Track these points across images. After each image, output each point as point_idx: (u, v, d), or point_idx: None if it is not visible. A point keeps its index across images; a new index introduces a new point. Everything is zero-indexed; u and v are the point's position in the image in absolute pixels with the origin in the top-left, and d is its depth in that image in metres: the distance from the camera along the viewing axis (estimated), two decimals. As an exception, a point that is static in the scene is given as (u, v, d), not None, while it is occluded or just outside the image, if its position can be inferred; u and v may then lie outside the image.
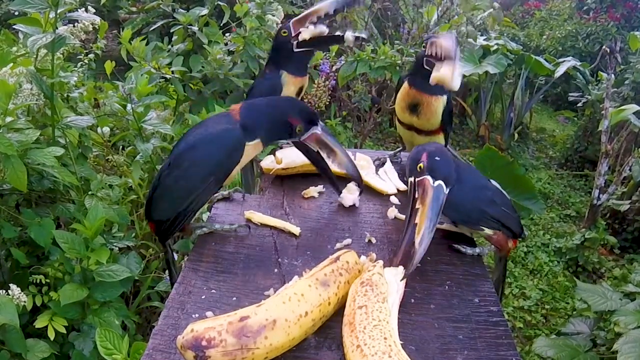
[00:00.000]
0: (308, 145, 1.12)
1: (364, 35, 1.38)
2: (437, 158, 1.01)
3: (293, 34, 1.34)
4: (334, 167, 1.16)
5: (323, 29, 1.34)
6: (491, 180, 1.18)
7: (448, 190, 0.99)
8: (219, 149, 1.03)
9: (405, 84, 1.36)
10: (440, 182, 0.98)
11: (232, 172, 1.07)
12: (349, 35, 1.34)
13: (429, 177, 0.99)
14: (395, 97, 1.41)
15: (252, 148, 1.06)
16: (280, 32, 1.37)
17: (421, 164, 1.00)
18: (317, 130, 1.09)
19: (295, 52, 1.35)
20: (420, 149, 1.04)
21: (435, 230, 0.96)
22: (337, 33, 1.36)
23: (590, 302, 2.09)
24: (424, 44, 1.30)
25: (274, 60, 1.41)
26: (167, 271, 1.83)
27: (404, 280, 0.97)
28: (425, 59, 1.28)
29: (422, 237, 0.94)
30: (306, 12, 1.35)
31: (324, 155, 1.13)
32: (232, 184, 1.81)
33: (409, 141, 1.46)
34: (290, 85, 1.38)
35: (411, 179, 1.03)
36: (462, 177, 1.05)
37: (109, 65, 2.12)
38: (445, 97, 1.34)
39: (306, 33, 1.33)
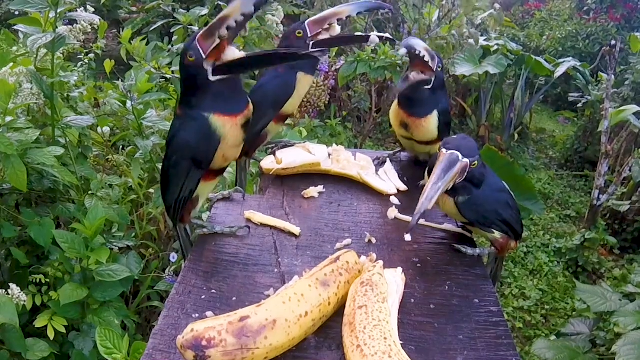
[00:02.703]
0: (223, 59, 0.95)
1: (388, 36, 1.31)
2: (453, 137, 1.05)
3: (309, 35, 1.27)
4: (246, 15, 0.92)
5: (337, 29, 1.29)
6: (503, 182, 1.18)
7: (466, 160, 1.00)
8: (190, 135, 1.00)
9: (395, 103, 1.36)
10: (454, 150, 1.00)
11: (219, 155, 1.02)
12: (374, 37, 1.27)
13: (443, 149, 1.02)
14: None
15: (221, 125, 0.98)
16: (294, 33, 1.28)
17: (439, 146, 1.04)
18: (198, 33, 0.95)
19: (311, 51, 1.24)
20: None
21: (445, 186, 0.99)
22: (360, 34, 1.31)
23: (590, 303, 2.09)
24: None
25: None
26: (169, 271, 1.84)
27: (404, 281, 0.97)
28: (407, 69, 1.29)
29: (425, 191, 0.98)
30: (325, 13, 1.28)
31: (228, 29, 0.92)
32: (232, 185, 1.81)
33: (410, 148, 1.47)
34: (304, 83, 1.34)
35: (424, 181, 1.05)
36: (487, 179, 1.07)
37: (108, 64, 2.12)
38: (435, 114, 1.31)
39: (330, 34, 1.28)
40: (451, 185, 1.02)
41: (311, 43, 1.27)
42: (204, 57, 0.95)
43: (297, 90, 1.33)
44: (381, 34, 1.28)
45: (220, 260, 1.07)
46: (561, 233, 3.89)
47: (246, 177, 1.56)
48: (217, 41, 0.94)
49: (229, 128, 0.99)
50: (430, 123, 1.31)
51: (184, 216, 1.11)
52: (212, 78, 0.96)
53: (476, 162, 1.02)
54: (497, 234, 1.14)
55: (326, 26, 1.27)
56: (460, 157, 1.00)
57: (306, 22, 1.27)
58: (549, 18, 7.47)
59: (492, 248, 1.18)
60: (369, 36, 1.26)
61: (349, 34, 1.32)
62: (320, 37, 1.28)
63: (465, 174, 1.03)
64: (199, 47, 0.95)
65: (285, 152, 1.42)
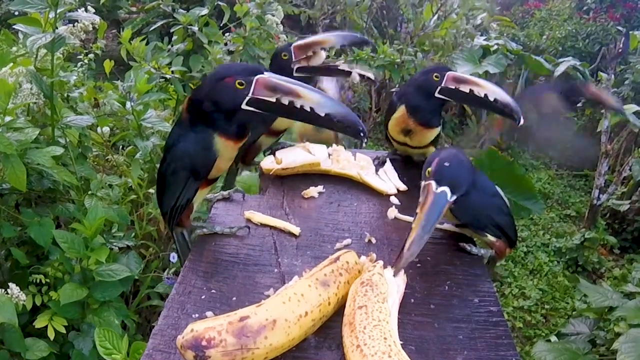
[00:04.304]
0: (264, 99, 0.95)
1: (371, 76, 1.34)
2: (446, 164, 0.97)
3: (294, 59, 1.30)
4: (312, 112, 0.95)
5: (323, 56, 1.32)
6: (496, 187, 1.18)
7: (454, 197, 0.96)
8: (191, 146, 1.01)
9: (404, 111, 1.32)
10: (444, 188, 0.95)
11: (215, 167, 1.04)
12: (355, 74, 1.32)
13: (432, 182, 0.96)
14: (388, 114, 1.40)
15: (222, 145, 1.01)
16: (280, 55, 1.31)
17: (430, 169, 0.98)
18: (262, 75, 0.95)
19: (295, 76, 1.30)
20: (435, 154, 1.01)
21: (432, 232, 0.94)
22: (344, 67, 1.34)
23: (592, 299, 2.10)
24: (435, 75, 1.26)
25: None
26: (169, 272, 1.83)
27: (404, 281, 0.97)
28: (440, 88, 1.26)
29: (412, 243, 0.93)
30: (311, 39, 1.31)
31: (289, 102, 0.95)
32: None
33: (403, 151, 1.48)
34: None
35: (422, 183, 1.01)
36: (477, 183, 1.05)
37: (107, 64, 2.12)
38: (440, 127, 1.36)
39: (314, 61, 1.30)
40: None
41: (295, 67, 1.32)
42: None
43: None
44: (363, 73, 1.33)
45: (220, 260, 1.07)
46: (561, 232, 3.89)
47: (234, 179, 1.59)
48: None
49: (229, 149, 1.02)
50: (435, 133, 1.35)
51: (182, 221, 1.12)
52: (243, 107, 0.97)
53: (465, 189, 0.98)
54: (490, 237, 1.14)
55: (310, 53, 1.31)
56: (449, 196, 0.95)
57: (292, 46, 1.31)
58: (549, 17, 7.46)
59: (492, 251, 1.18)
60: (351, 72, 1.34)
61: (333, 65, 1.35)
62: (306, 63, 1.32)
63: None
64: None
65: (285, 152, 1.42)
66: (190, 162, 1.02)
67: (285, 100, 0.95)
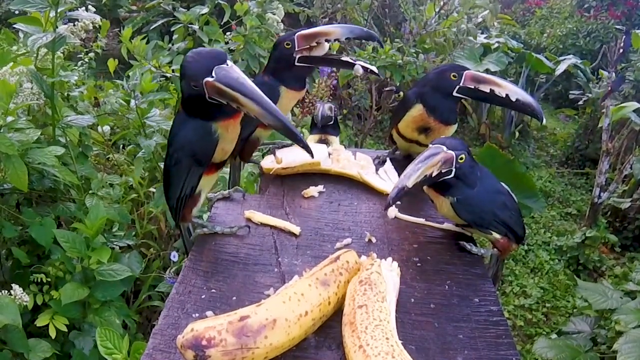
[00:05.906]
0: (220, 100, 0.95)
1: (374, 69, 1.32)
2: (442, 137, 1.08)
3: (297, 48, 1.27)
4: (257, 118, 0.95)
5: (326, 47, 1.29)
6: (502, 183, 1.18)
7: (451, 152, 1.02)
8: (191, 133, 1.02)
9: (422, 109, 1.32)
10: (438, 145, 1.03)
11: (220, 150, 1.04)
12: (359, 66, 1.29)
13: (430, 145, 1.05)
14: (399, 112, 1.39)
15: (223, 128, 1.02)
16: (283, 44, 1.28)
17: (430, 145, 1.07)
18: (209, 78, 0.92)
19: (296, 65, 1.28)
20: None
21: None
22: (348, 59, 1.31)
23: (591, 300, 2.09)
24: (453, 75, 1.26)
25: (273, 70, 1.31)
26: (170, 271, 1.84)
27: (398, 274, 0.97)
28: (458, 87, 1.26)
29: (406, 170, 1.02)
30: (316, 29, 1.28)
31: (237, 106, 0.94)
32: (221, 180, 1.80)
33: (406, 149, 1.47)
34: (287, 99, 1.31)
35: None
36: (482, 180, 1.09)
37: (112, 63, 2.12)
38: (457, 123, 1.37)
39: (317, 52, 1.27)
40: (434, 171, 1.03)
41: (297, 57, 1.27)
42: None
43: (280, 102, 1.30)
44: (367, 66, 1.30)
45: (221, 259, 1.07)
46: (562, 231, 3.89)
47: (239, 176, 1.58)
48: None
49: (230, 128, 1.02)
50: (453, 130, 1.35)
51: (185, 215, 1.12)
52: (210, 100, 0.96)
53: (463, 156, 1.04)
54: (496, 235, 1.14)
55: (314, 43, 1.26)
56: (445, 148, 1.03)
57: (296, 35, 1.27)
58: (550, 16, 7.46)
59: (494, 249, 1.18)
60: (355, 64, 1.29)
61: (336, 56, 1.34)
62: (308, 53, 1.27)
63: (454, 168, 1.04)
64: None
65: (285, 151, 1.42)
66: (191, 149, 1.03)
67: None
